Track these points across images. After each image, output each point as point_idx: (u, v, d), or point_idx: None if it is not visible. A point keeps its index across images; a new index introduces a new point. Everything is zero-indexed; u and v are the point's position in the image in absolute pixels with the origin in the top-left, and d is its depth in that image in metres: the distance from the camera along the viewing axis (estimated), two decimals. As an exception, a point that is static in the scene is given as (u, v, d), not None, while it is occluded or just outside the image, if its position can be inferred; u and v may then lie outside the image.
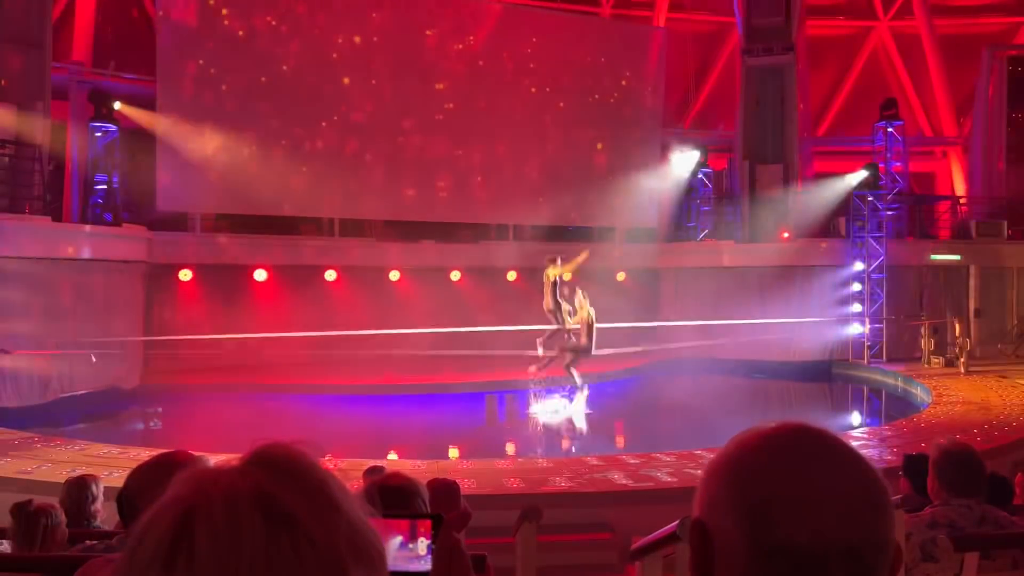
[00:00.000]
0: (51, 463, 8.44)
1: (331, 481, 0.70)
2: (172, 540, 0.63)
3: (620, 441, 12.42)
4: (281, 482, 0.67)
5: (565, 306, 12.92)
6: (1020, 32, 22.71)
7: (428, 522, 1.06)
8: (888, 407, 15.20)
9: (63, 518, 3.73)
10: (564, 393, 13.12)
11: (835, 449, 0.88)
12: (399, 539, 1.04)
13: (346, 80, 17.94)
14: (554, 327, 13.10)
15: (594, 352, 12.68)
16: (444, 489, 3.30)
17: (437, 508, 2.57)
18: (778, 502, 0.83)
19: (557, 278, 12.91)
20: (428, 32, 18.57)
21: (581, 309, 12.57)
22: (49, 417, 12.40)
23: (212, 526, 0.63)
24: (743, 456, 0.88)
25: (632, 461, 8.80)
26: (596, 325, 12.58)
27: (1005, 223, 18.95)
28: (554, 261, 13.00)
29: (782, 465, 0.86)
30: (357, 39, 18.00)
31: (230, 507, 0.65)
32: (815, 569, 0.82)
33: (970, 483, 3.26)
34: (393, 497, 2.22)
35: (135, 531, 0.66)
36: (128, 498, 2.06)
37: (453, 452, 11.36)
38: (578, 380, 12.72)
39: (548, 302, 13.00)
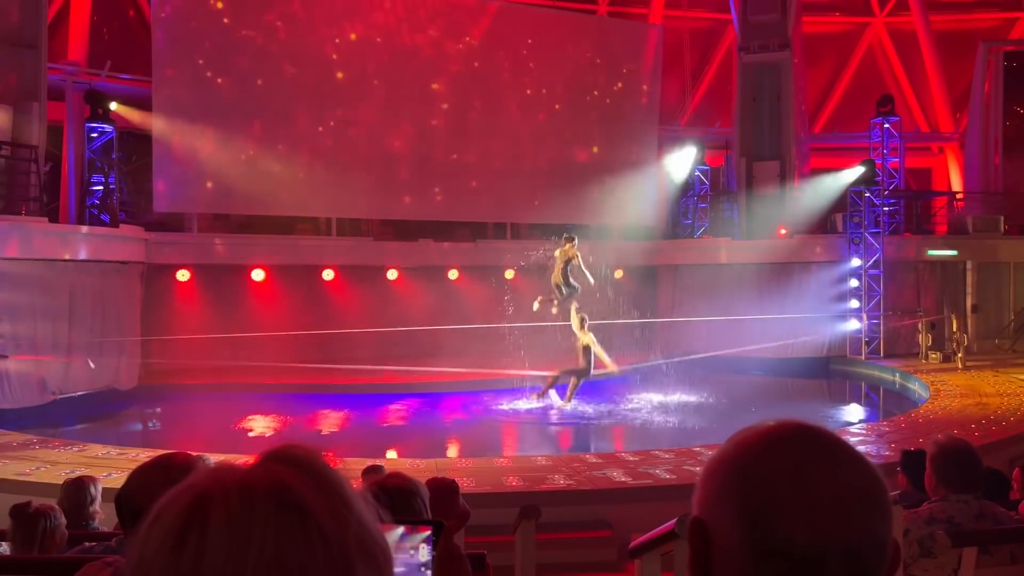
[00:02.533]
0: (49, 464, 8.43)
1: (344, 481, 0.71)
2: (185, 522, 0.64)
3: (620, 440, 12.43)
4: (297, 477, 0.68)
5: (567, 287, 13.15)
6: (1016, 27, 22.74)
7: (428, 527, 1.06)
8: (886, 403, 15.22)
9: (63, 519, 3.73)
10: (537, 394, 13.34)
11: (834, 448, 0.88)
12: (401, 530, 1.04)
13: (342, 78, 17.92)
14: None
15: (593, 374, 12.91)
16: (443, 489, 3.30)
17: (436, 507, 2.57)
18: (777, 503, 0.83)
19: (573, 258, 13.13)
20: (424, 32, 18.54)
21: (581, 334, 12.75)
22: (47, 418, 12.39)
23: (226, 511, 0.64)
24: (742, 456, 0.88)
25: (630, 459, 8.81)
26: (594, 348, 12.75)
27: (1002, 218, 18.98)
28: (572, 240, 13.19)
29: (781, 465, 0.86)
30: (354, 38, 17.98)
31: (245, 494, 0.66)
32: (814, 569, 0.82)
33: (967, 478, 3.28)
34: (393, 497, 2.22)
35: (150, 514, 0.67)
36: (127, 499, 2.06)
37: (452, 450, 11.37)
38: (568, 404, 13.01)
39: (557, 276, 13.15)
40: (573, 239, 13.21)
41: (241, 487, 0.66)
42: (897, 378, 15.97)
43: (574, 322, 12.83)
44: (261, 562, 0.63)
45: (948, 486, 3.27)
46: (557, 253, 13.31)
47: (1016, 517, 3.54)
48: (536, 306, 13.35)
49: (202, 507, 0.65)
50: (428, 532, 1.05)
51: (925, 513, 3.26)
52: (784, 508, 0.83)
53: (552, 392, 13.13)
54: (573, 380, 12.89)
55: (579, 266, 13.10)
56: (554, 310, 13.37)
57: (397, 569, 0.74)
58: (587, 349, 12.65)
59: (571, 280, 13.14)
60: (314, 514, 0.66)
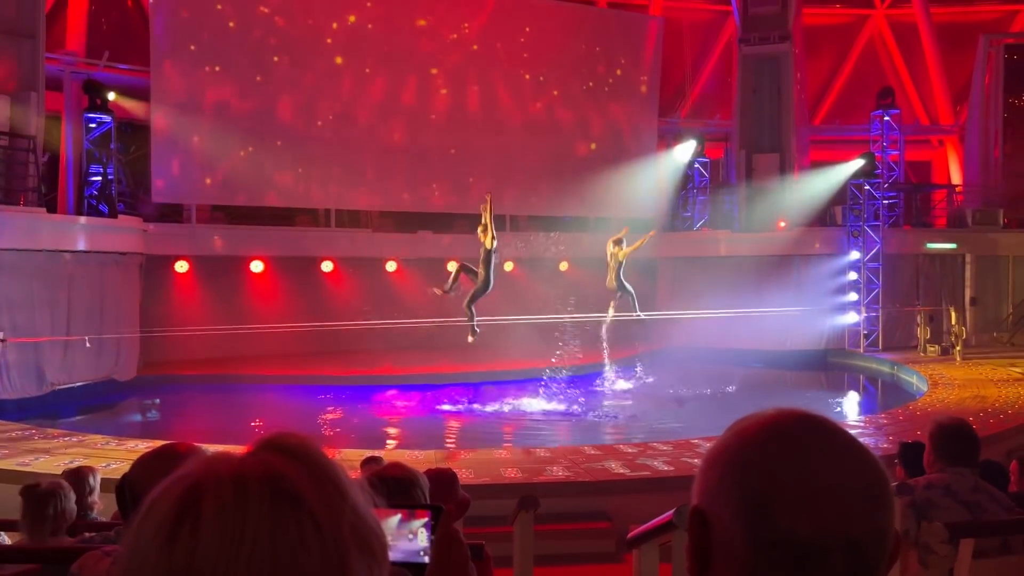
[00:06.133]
0: (48, 455, 8.44)
1: (339, 470, 0.70)
2: (179, 511, 0.64)
3: (616, 433, 12.44)
4: (290, 466, 0.68)
5: (628, 287, 13.30)
6: (1016, 20, 22.68)
7: (427, 512, 1.06)
8: (884, 395, 15.24)
9: (72, 497, 3.76)
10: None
11: (836, 438, 0.87)
12: (398, 517, 1.04)
13: (341, 70, 17.86)
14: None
15: (492, 284, 11.99)
16: (441, 479, 3.30)
17: (434, 498, 2.57)
18: (779, 495, 0.83)
19: (623, 259, 13.27)
20: (423, 22, 18.48)
21: (484, 238, 11.74)
22: (46, 409, 12.40)
23: (219, 500, 0.64)
24: (743, 446, 0.87)
25: (629, 450, 8.82)
26: (495, 258, 11.87)
27: (1001, 211, 18.98)
28: (619, 243, 13.29)
29: (783, 456, 0.85)
30: (351, 28, 17.92)
31: (238, 484, 0.65)
32: (816, 561, 0.82)
33: (964, 453, 3.38)
34: (392, 488, 2.23)
35: (143, 505, 0.67)
36: (129, 489, 2.07)
37: (450, 442, 11.38)
38: (474, 319, 12.21)
39: (611, 280, 13.26)
40: (621, 240, 13.39)
41: (234, 477, 0.65)
42: (895, 370, 15.98)
43: (478, 234, 11.97)
44: (255, 552, 0.62)
45: (946, 460, 3.37)
46: (609, 258, 13.50)
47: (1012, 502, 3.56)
48: (615, 284, 13.44)
49: (195, 498, 0.64)
50: (427, 518, 1.05)
51: (923, 480, 3.37)
52: (786, 500, 0.83)
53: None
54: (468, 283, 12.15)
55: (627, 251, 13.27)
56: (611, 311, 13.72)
57: (394, 555, 0.74)
58: (488, 256, 11.78)
59: (624, 283, 13.33)
60: (308, 503, 0.65)
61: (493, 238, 11.68)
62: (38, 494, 3.64)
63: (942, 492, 3.25)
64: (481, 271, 11.77)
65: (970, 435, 3.43)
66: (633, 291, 13.59)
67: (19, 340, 12.30)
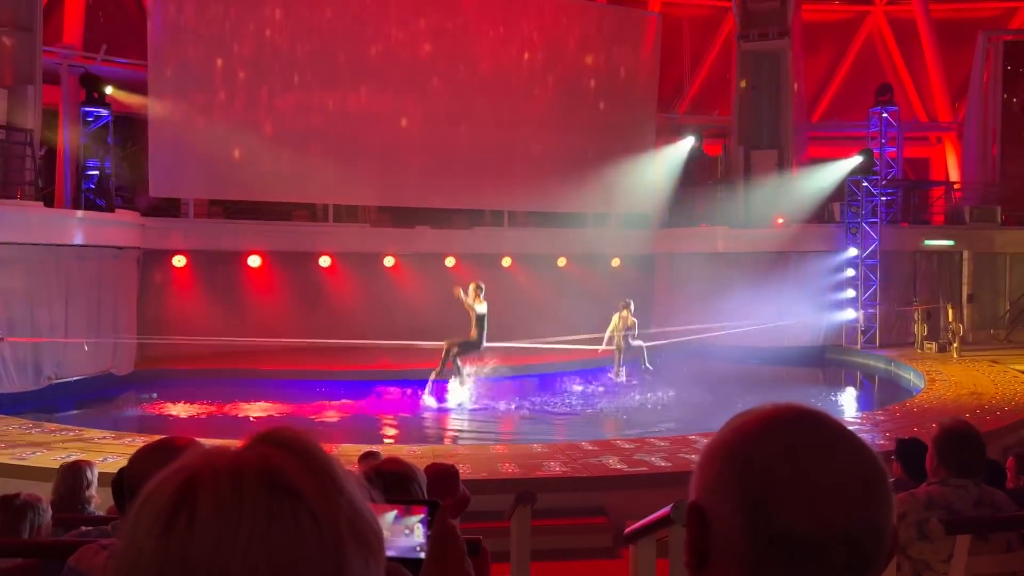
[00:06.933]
0: (45, 449, 8.43)
1: (335, 463, 0.70)
2: (175, 504, 0.64)
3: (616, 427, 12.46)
4: (287, 459, 0.68)
5: (638, 343, 14.05)
6: (1016, 17, 22.68)
7: (423, 507, 1.06)
8: (881, 392, 15.26)
9: (49, 512, 3.71)
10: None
11: (834, 434, 0.87)
12: (394, 513, 1.04)
13: (339, 65, 17.82)
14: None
15: (484, 346, 12.40)
16: (443, 474, 3.30)
17: (436, 493, 2.57)
18: (777, 491, 0.83)
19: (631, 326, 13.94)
20: (421, 17, 18.44)
21: (477, 303, 12.26)
22: (43, 403, 12.39)
23: (216, 493, 0.64)
24: (742, 442, 0.87)
25: (626, 446, 8.83)
26: (486, 321, 12.21)
27: (999, 209, 18.99)
28: (628, 307, 13.92)
29: (781, 453, 0.85)
30: (350, 23, 17.87)
31: (235, 476, 0.65)
32: (814, 556, 0.82)
33: (969, 463, 3.26)
34: (389, 483, 2.23)
35: (139, 498, 0.67)
36: (128, 481, 2.08)
37: (448, 437, 11.38)
38: (463, 372, 12.55)
39: (620, 342, 13.98)
40: (629, 304, 13.91)
41: (231, 470, 0.65)
42: (892, 367, 16.01)
43: (470, 294, 12.28)
44: (251, 545, 0.62)
45: (949, 469, 3.24)
46: (615, 320, 13.95)
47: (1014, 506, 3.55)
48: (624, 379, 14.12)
49: (191, 490, 0.64)
50: (423, 513, 1.05)
51: (923, 497, 3.22)
52: (784, 496, 0.83)
53: (464, 386, 12.52)
54: (457, 348, 12.42)
55: (634, 330, 14.01)
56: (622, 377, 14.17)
57: (391, 550, 0.74)
58: (481, 320, 12.19)
59: (631, 342, 13.97)
60: (305, 497, 0.65)
61: (482, 315, 12.24)
62: (15, 506, 3.58)
63: (943, 513, 3.15)
64: (475, 332, 12.34)
65: (975, 442, 3.28)
66: (644, 344, 14.15)
67: (17, 340, 12.27)
